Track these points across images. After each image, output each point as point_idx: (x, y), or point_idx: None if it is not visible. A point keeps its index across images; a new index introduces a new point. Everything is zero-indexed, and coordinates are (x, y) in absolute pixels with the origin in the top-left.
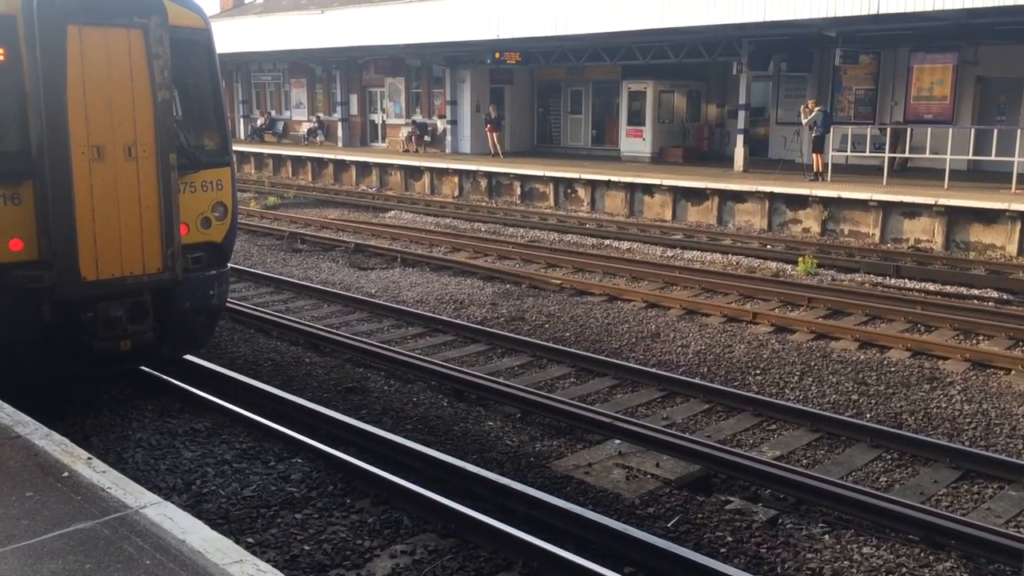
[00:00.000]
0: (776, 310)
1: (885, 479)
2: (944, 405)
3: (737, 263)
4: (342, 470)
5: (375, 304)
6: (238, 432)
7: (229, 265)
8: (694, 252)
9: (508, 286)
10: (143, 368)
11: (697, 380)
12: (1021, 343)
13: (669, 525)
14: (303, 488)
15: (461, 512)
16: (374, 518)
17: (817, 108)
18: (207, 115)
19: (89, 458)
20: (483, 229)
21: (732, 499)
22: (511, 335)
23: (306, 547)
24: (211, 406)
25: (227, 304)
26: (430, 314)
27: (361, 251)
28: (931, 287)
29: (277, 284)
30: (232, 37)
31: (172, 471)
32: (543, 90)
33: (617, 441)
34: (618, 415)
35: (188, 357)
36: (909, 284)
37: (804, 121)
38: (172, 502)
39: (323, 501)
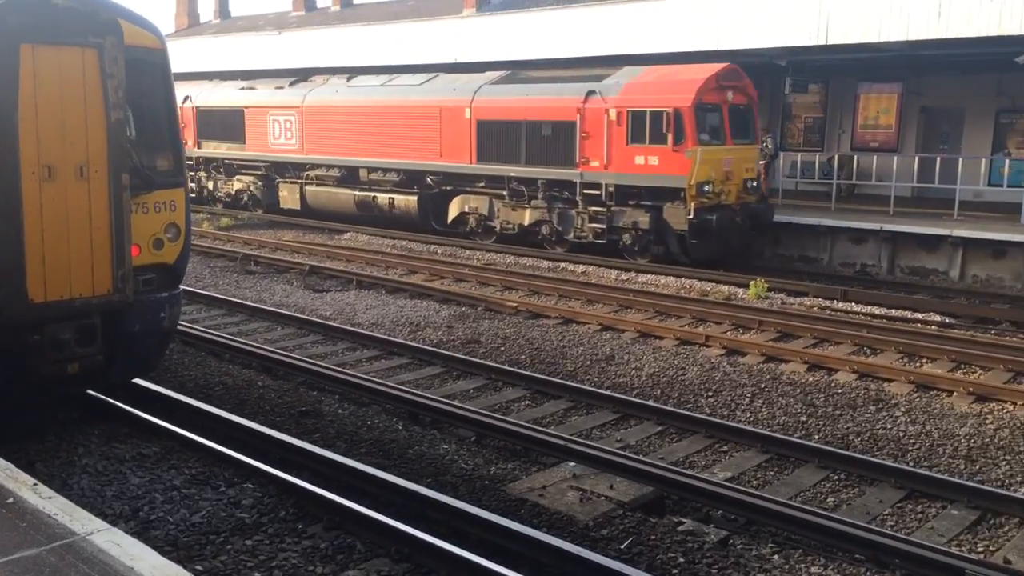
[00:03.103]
0: (728, 333)
1: (832, 499)
2: (889, 426)
3: (690, 287)
4: (294, 495)
5: (330, 327)
6: (188, 457)
7: (181, 287)
8: (648, 276)
9: (464, 308)
10: (90, 392)
11: (651, 402)
12: (963, 366)
13: (622, 547)
14: (254, 514)
15: (415, 536)
16: (327, 543)
17: (768, 136)
18: (161, 135)
19: (35, 484)
20: (439, 251)
21: (684, 520)
22: (467, 358)
23: (256, 574)
24: (160, 431)
25: (178, 327)
26: (385, 336)
27: (316, 273)
28: (877, 311)
29: (230, 306)
30: (187, 57)
31: (119, 497)
32: None
33: (571, 463)
34: (572, 437)
35: (137, 381)
36: (856, 308)
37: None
38: (119, 529)
39: (274, 527)
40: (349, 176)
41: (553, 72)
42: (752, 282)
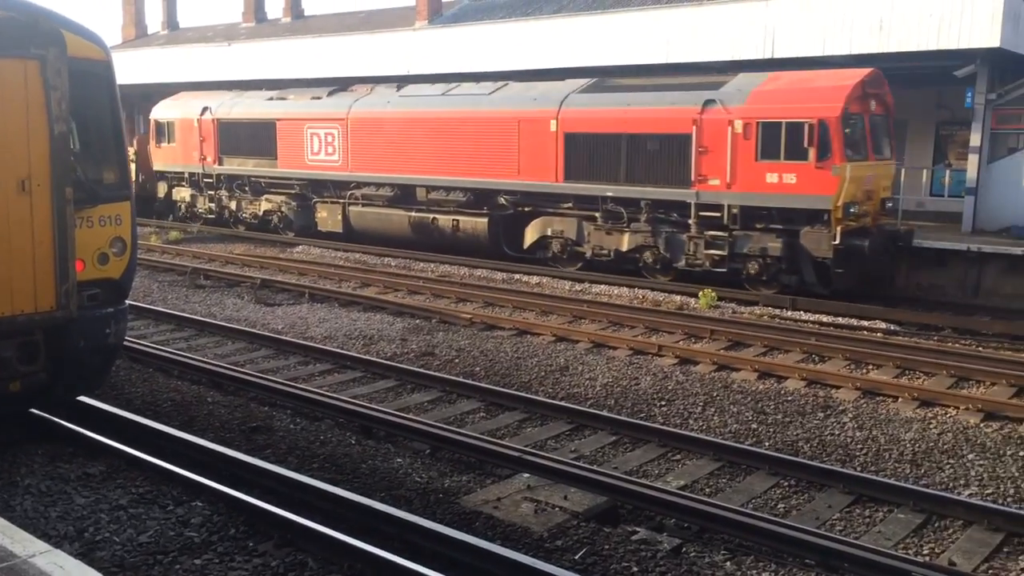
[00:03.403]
0: (680, 342)
1: (783, 505)
2: (837, 432)
3: (643, 297)
4: (245, 512)
5: (281, 341)
6: (135, 476)
7: (127, 302)
8: (601, 286)
9: (418, 321)
10: (33, 410)
11: (605, 412)
12: (907, 372)
13: (576, 557)
14: (203, 532)
15: (368, 552)
16: (278, 561)
17: None
18: (106, 148)
19: None
20: (393, 264)
21: (638, 529)
22: (421, 370)
23: None
24: (106, 449)
25: (125, 343)
26: (338, 350)
27: (267, 287)
28: (824, 319)
29: (178, 321)
30: (134, 68)
31: (63, 518)
32: None
33: (526, 475)
34: (527, 449)
35: (82, 398)
36: (804, 316)
37: None
38: (63, 550)
39: (224, 545)
40: (403, 195)
41: (653, 80)
42: (702, 292)
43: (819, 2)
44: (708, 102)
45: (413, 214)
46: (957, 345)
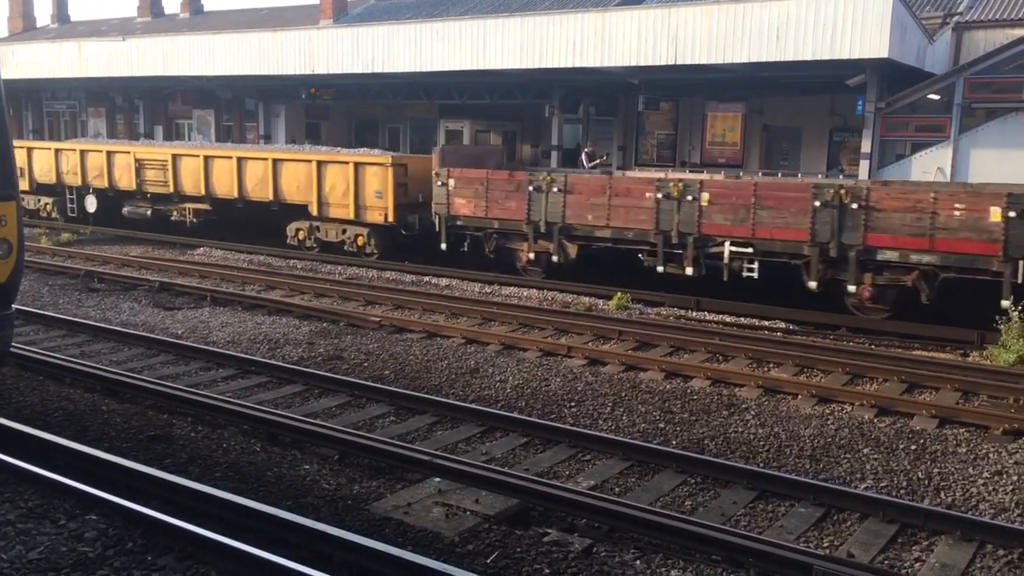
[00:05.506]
0: (589, 343)
1: (690, 503)
2: (741, 429)
3: (552, 298)
4: (143, 525)
5: (182, 346)
6: (23, 490)
7: (14, 307)
8: (511, 288)
9: (326, 324)
10: None
11: (515, 414)
12: (806, 369)
13: (488, 561)
14: (98, 547)
15: (274, 562)
16: (179, 575)
17: (585, 150)
18: None
19: None
20: (299, 266)
21: (549, 531)
22: (328, 375)
23: None
24: None
25: (12, 349)
26: (242, 355)
27: (167, 290)
28: (728, 319)
29: (71, 327)
30: (21, 62)
31: None
32: (361, 126)
33: (437, 479)
34: (438, 453)
35: None
36: (708, 316)
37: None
38: None
39: (121, 560)
40: None
41: None
42: (616, 294)
43: (719, 10)
44: None
45: None
46: (852, 343)
